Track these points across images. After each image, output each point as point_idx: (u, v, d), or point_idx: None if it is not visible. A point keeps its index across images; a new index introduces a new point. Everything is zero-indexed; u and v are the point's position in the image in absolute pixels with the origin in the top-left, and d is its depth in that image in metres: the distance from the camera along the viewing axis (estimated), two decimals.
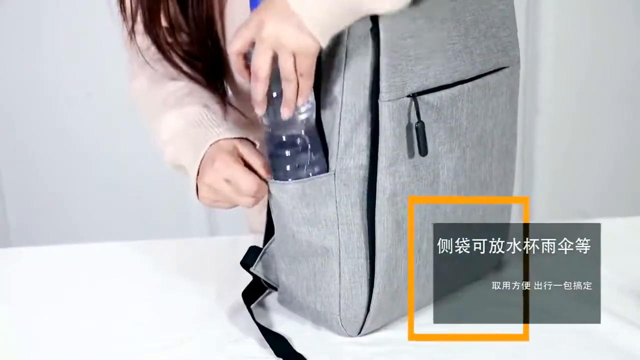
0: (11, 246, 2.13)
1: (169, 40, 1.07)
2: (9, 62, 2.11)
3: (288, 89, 0.85)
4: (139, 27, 1.07)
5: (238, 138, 0.99)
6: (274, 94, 0.88)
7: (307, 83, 0.86)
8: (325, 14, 0.82)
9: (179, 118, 1.03)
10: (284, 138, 0.90)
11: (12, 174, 2.20)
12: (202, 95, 1.07)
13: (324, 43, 0.83)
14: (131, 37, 1.07)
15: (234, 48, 0.87)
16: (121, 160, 2.14)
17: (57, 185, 2.19)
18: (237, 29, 0.87)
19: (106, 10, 1.08)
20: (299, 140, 0.89)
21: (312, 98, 0.89)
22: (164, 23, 1.06)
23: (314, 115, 0.89)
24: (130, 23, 1.06)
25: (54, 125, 2.14)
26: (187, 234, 2.10)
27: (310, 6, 0.82)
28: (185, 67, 1.08)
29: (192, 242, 1.25)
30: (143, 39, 1.08)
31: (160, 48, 1.07)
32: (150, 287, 1.10)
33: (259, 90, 0.86)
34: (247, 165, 0.95)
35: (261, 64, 0.85)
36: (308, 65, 0.84)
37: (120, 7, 1.07)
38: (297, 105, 0.87)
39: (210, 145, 0.98)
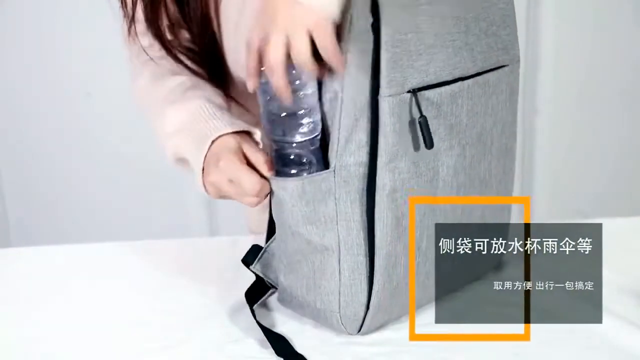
0: (11, 245, 2.14)
1: (170, 37, 1.07)
2: (9, 62, 2.10)
3: (306, 74, 0.86)
4: (141, 25, 1.08)
5: (241, 132, 0.99)
6: (283, 114, 0.88)
7: (336, 58, 0.85)
8: None
9: (181, 112, 1.03)
10: (291, 156, 0.90)
11: (12, 173, 2.19)
12: (205, 88, 1.07)
13: (335, 10, 0.83)
14: (130, 32, 1.07)
15: (250, 60, 0.88)
16: (121, 160, 2.14)
17: (57, 185, 2.19)
18: (247, 39, 0.88)
19: (106, 10, 1.08)
20: (305, 159, 0.90)
21: (317, 117, 0.89)
22: (164, 21, 1.06)
23: (319, 132, 0.89)
24: (130, 17, 1.06)
25: (54, 125, 2.14)
26: (187, 234, 2.10)
27: None
28: (188, 63, 1.08)
29: (192, 242, 1.25)
30: (144, 37, 1.08)
31: (163, 44, 1.07)
32: (150, 287, 1.10)
33: (281, 84, 0.86)
34: (250, 162, 0.95)
35: (276, 55, 0.85)
36: (329, 38, 0.84)
37: (121, 1, 1.06)
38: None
39: (213, 141, 0.98)
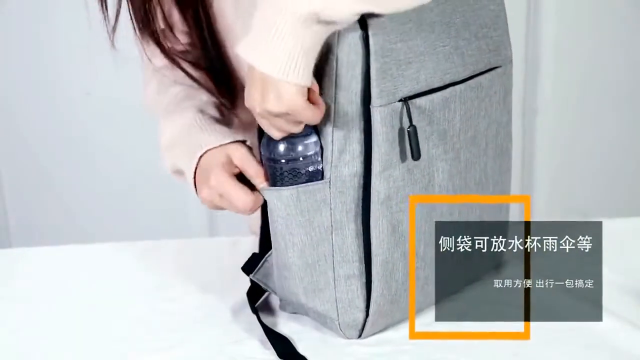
0: (11, 246, 2.13)
1: (169, 44, 1.08)
2: (9, 61, 2.10)
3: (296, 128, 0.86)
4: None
5: (231, 143, 0.98)
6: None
7: (318, 118, 0.85)
8: (289, 60, 0.80)
9: (174, 125, 1.03)
10: (287, 171, 0.91)
11: (12, 173, 2.19)
12: (199, 98, 1.06)
13: (307, 81, 0.82)
14: (112, 42, 1.07)
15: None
16: (121, 160, 2.14)
17: (57, 185, 2.19)
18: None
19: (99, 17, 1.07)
20: (301, 171, 0.90)
21: (318, 156, 0.89)
22: (160, 24, 1.07)
23: (320, 162, 0.90)
24: (112, 23, 1.06)
25: (54, 125, 2.13)
26: (187, 235, 2.10)
27: (273, 60, 0.80)
28: (188, 68, 1.08)
29: (192, 242, 1.24)
30: (149, 45, 1.08)
31: (160, 47, 1.07)
32: (150, 287, 1.10)
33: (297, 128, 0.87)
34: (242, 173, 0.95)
35: (275, 134, 0.87)
36: (304, 114, 0.83)
37: (102, 6, 1.06)
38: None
39: (201, 156, 0.98)
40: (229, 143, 0.98)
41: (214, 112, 1.05)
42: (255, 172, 0.94)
